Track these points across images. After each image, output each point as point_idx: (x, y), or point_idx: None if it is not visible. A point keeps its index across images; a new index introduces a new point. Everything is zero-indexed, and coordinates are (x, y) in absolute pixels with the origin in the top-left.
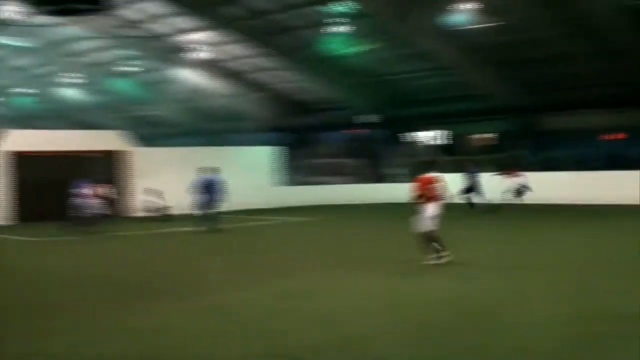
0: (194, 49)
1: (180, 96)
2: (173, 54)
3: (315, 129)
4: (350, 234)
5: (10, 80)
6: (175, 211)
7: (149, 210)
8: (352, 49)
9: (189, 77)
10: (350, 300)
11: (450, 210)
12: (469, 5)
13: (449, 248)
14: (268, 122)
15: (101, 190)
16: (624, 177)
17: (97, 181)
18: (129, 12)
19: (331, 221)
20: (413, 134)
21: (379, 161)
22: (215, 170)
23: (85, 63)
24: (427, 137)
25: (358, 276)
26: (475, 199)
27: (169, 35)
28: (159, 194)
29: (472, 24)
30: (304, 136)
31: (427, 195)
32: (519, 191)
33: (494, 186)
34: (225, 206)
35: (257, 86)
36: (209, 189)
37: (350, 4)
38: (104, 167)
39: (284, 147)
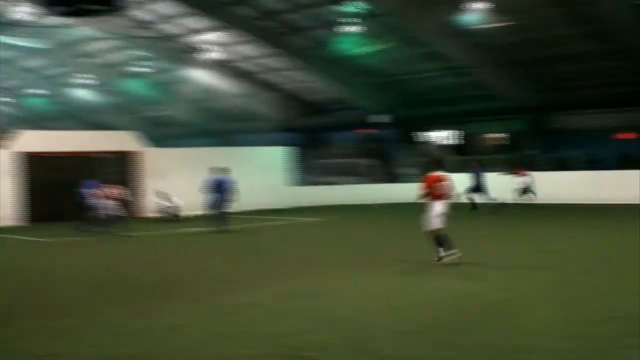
0: (206, 50)
1: (191, 97)
2: (185, 54)
3: (327, 129)
4: (360, 234)
5: (22, 81)
6: (187, 212)
7: (160, 212)
8: (363, 49)
9: (201, 77)
10: (358, 300)
11: (456, 209)
12: (480, 5)
13: (456, 247)
14: (280, 122)
15: (116, 191)
16: (635, 177)
17: (109, 182)
18: (141, 13)
19: (342, 221)
20: (425, 133)
21: (391, 161)
22: (225, 170)
23: (97, 64)
24: (439, 137)
25: (366, 276)
26: (479, 198)
27: (181, 35)
28: (166, 197)
29: (484, 24)
30: (316, 136)
31: (433, 193)
32: (524, 191)
33: (501, 186)
34: (236, 206)
35: (268, 86)
36: (220, 189)
37: (361, 3)
38: (116, 167)
39: (296, 148)
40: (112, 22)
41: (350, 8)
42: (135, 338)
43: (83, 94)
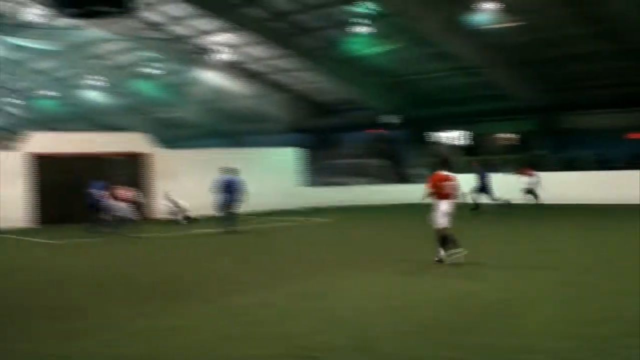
0: (216, 51)
1: (202, 98)
2: (195, 56)
3: (337, 130)
4: (369, 235)
5: (33, 83)
6: (198, 213)
7: (170, 213)
8: (373, 50)
9: (211, 79)
10: (366, 301)
11: (459, 209)
12: (490, 5)
13: (461, 247)
14: (290, 123)
15: (129, 193)
16: None
17: (119, 183)
18: (151, 15)
19: (352, 222)
20: (435, 134)
21: (401, 162)
22: (234, 170)
23: (107, 65)
24: (449, 137)
25: (374, 276)
26: (482, 199)
27: (191, 37)
28: (173, 200)
29: (494, 24)
30: (326, 137)
31: (439, 192)
32: (529, 191)
33: (507, 186)
34: (246, 207)
35: (278, 87)
36: (229, 189)
37: (371, 4)
38: (126, 169)
39: (306, 148)
40: (122, 23)
41: (359, 9)
42: (146, 339)
43: (93, 96)
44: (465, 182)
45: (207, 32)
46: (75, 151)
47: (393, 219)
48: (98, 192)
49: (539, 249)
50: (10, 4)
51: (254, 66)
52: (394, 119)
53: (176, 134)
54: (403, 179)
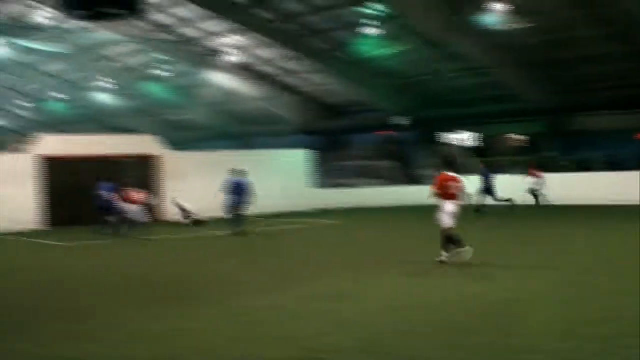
0: (226, 53)
1: (211, 100)
2: (204, 57)
3: (346, 132)
4: (378, 237)
5: (42, 85)
6: (207, 215)
7: (179, 216)
8: (383, 51)
9: (221, 80)
10: (375, 302)
11: (466, 211)
12: (500, 6)
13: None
14: (299, 125)
15: (141, 195)
16: None
17: (130, 186)
18: (161, 17)
19: (361, 224)
20: (444, 135)
21: (411, 163)
22: (243, 172)
23: (117, 68)
24: (459, 138)
25: (383, 278)
26: (487, 200)
27: (201, 39)
28: (180, 206)
29: (504, 25)
30: (336, 139)
31: (445, 193)
32: (534, 191)
33: (514, 187)
34: (256, 209)
35: (288, 89)
36: (238, 191)
37: (381, 6)
38: (136, 171)
39: (316, 150)
40: (132, 26)
41: (369, 10)
42: (154, 341)
43: (103, 98)
44: (474, 183)
45: (216, 34)
46: (85, 153)
47: (402, 221)
48: (108, 194)
49: (542, 249)
50: (20, 7)
51: (263, 68)
52: (404, 121)
53: (186, 136)
54: (412, 180)
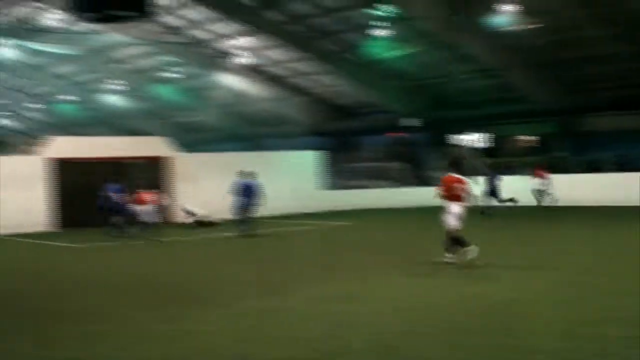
0: (236, 55)
1: (222, 101)
2: (215, 59)
3: (357, 133)
4: (387, 238)
5: (53, 87)
6: (218, 216)
7: (190, 218)
8: (393, 53)
9: (231, 82)
10: (382, 303)
11: (471, 212)
12: (509, 7)
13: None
14: (310, 126)
15: (153, 196)
16: None
17: (141, 187)
18: (171, 19)
19: (371, 225)
20: (455, 136)
21: (421, 165)
22: (252, 174)
23: (127, 70)
24: (469, 139)
25: (390, 279)
26: (492, 202)
27: (211, 41)
28: (188, 211)
29: (513, 26)
30: (346, 140)
31: (450, 194)
32: (540, 192)
33: (521, 188)
34: (266, 210)
35: (298, 90)
36: (247, 192)
37: (391, 7)
38: (147, 173)
39: (326, 151)
40: (142, 28)
41: (379, 12)
42: (163, 342)
43: (113, 100)
44: (480, 184)
45: (226, 36)
46: (96, 155)
47: (411, 222)
48: (115, 195)
49: (544, 249)
50: (29, 9)
51: (273, 69)
52: (414, 122)
53: (196, 138)
54: (423, 181)
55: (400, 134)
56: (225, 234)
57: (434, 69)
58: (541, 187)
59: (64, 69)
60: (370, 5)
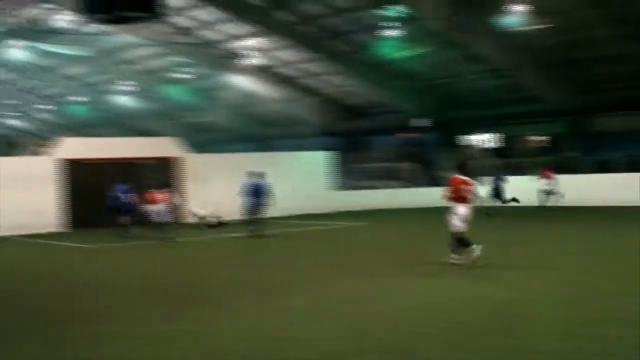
0: (246, 55)
1: (232, 102)
2: (225, 60)
3: (367, 133)
4: (396, 238)
5: (63, 88)
6: (228, 217)
7: (195, 219)
8: (403, 53)
9: (241, 83)
10: (391, 304)
11: (477, 214)
12: (519, 7)
13: (488, 253)
14: (320, 126)
15: (165, 195)
16: None
17: (152, 188)
18: (181, 20)
19: (381, 226)
20: (465, 137)
21: (432, 165)
22: (261, 174)
23: (137, 70)
24: (480, 140)
25: (398, 279)
26: (497, 203)
27: (221, 42)
28: (196, 214)
29: (523, 26)
30: (356, 140)
31: (457, 196)
32: (548, 193)
33: (527, 188)
34: (276, 211)
35: (308, 91)
36: (257, 193)
37: (401, 8)
38: (157, 173)
39: (336, 152)
40: (152, 29)
41: (390, 12)
42: (173, 342)
43: (124, 101)
44: (486, 185)
45: (237, 37)
46: (106, 156)
47: (420, 222)
48: (125, 195)
49: (545, 250)
50: (40, 11)
51: (283, 70)
52: (424, 122)
53: (206, 139)
54: (433, 182)
55: (410, 134)
56: (235, 234)
57: (445, 69)
58: (548, 188)
59: (75, 70)
60: (381, 5)
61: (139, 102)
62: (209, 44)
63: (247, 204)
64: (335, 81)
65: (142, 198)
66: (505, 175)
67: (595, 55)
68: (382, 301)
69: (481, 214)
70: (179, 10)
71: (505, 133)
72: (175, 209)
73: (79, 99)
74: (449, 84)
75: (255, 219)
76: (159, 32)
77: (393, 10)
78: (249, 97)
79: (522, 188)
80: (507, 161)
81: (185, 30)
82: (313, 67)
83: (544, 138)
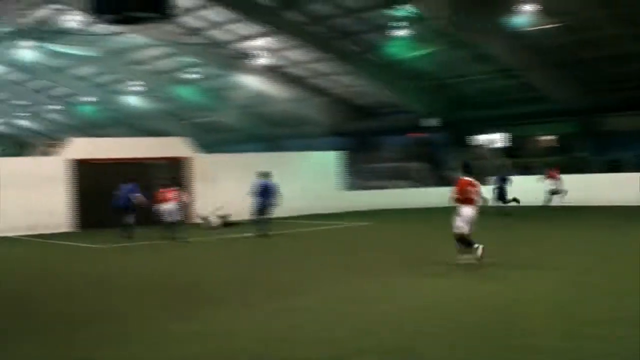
0: (255, 55)
1: (241, 102)
2: (234, 60)
3: (376, 133)
4: (405, 238)
5: (73, 88)
6: (238, 217)
7: (202, 219)
8: (413, 53)
9: (251, 83)
10: (399, 304)
11: (481, 215)
12: (529, 7)
13: (492, 253)
14: (329, 126)
15: (175, 194)
16: None
17: (164, 186)
18: (190, 20)
19: (390, 225)
20: (475, 137)
21: (441, 165)
22: (267, 174)
23: (147, 71)
24: (489, 139)
25: (407, 279)
26: (498, 203)
27: (230, 42)
28: (204, 217)
29: (533, 26)
30: (366, 140)
31: (463, 198)
32: (552, 192)
33: (529, 188)
34: (284, 211)
35: (318, 91)
36: (265, 193)
37: (411, 8)
38: (166, 173)
39: (345, 152)
40: (162, 29)
41: (399, 12)
42: (185, 343)
43: (133, 101)
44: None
45: (246, 37)
46: (116, 156)
47: (429, 222)
48: (131, 195)
49: (548, 250)
50: (49, 11)
51: (293, 70)
52: (434, 122)
53: (216, 138)
54: (443, 182)
55: (419, 134)
56: (244, 234)
57: (454, 69)
58: (552, 187)
59: (84, 70)
60: (390, 5)
61: (148, 102)
62: (218, 44)
63: (257, 204)
64: (345, 81)
65: (153, 197)
66: (509, 175)
67: (605, 54)
68: (387, 301)
69: (487, 214)
70: (188, 11)
71: (514, 133)
72: (185, 208)
73: (89, 99)
74: (458, 84)
75: (263, 219)
76: (169, 32)
77: (402, 10)
78: (258, 97)
79: (529, 188)
80: (517, 161)
81: (195, 31)
82: (322, 67)
83: (553, 138)
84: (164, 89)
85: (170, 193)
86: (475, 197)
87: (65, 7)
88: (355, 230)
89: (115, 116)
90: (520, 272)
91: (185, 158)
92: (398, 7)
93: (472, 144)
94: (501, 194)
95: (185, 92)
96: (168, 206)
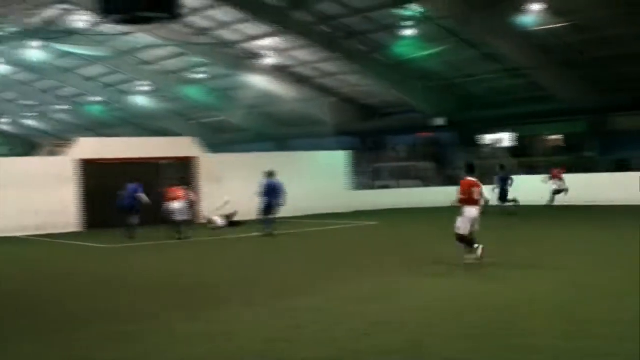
0: (263, 55)
1: (249, 102)
2: (242, 60)
3: (384, 133)
4: (412, 238)
5: (81, 88)
6: (245, 217)
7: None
8: (421, 53)
9: (258, 83)
10: (406, 303)
11: (485, 215)
12: (537, 6)
13: (494, 253)
14: (337, 126)
15: (184, 192)
16: None
17: (172, 186)
18: (198, 20)
19: (397, 225)
20: (482, 136)
21: (449, 164)
22: (272, 173)
23: (155, 71)
24: (497, 139)
25: (414, 279)
26: (498, 203)
27: (238, 42)
28: (209, 219)
29: (541, 25)
30: (373, 140)
31: (468, 198)
32: (555, 192)
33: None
34: (292, 211)
35: (325, 91)
36: (272, 192)
37: (419, 7)
38: (175, 173)
39: (353, 151)
40: (170, 29)
41: (407, 12)
42: (193, 343)
43: (141, 101)
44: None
45: (254, 37)
46: (123, 156)
47: (435, 222)
48: (140, 195)
49: (549, 250)
50: (57, 11)
51: (301, 70)
52: (442, 122)
53: (224, 138)
54: (450, 181)
55: (427, 133)
56: (251, 233)
57: (461, 69)
58: (556, 187)
59: (92, 70)
60: (398, 5)
61: (155, 102)
62: (226, 44)
63: (264, 203)
64: (352, 81)
65: (162, 195)
66: (510, 175)
67: (613, 54)
68: (388, 301)
69: (492, 215)
70: (196, 11)
71: (522, 132)
72: (193, 206)
73: (97, 99)
74: (465, 84)
75: (269, 218)
76: (177, 32)
77: (410, 10)
78: (265, 97)
79: (534, 187)
80: (524, 160)
81: (203, 31)
82: (330, 66)
83: (560, 137)
84: (172, 88)
85: (180, 191)
86: (478, 198)
87: (73, 7)
88: (361, 230)
89: (122, 116)
90: (520, 272)
91: (193, 158)
92: (406, 6)
93: (480, 143)
94: (502, 194)
95: (192, 92)
96: (177, 205)
